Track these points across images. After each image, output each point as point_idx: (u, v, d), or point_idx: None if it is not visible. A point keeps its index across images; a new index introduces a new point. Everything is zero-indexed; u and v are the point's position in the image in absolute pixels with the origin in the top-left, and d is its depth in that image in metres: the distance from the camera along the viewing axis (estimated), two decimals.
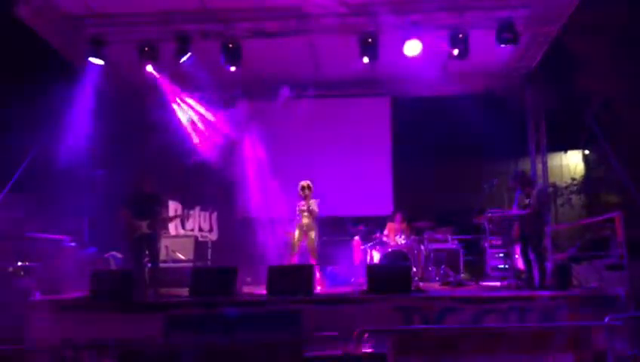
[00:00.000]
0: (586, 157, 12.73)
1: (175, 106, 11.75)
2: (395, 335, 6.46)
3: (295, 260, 9.30)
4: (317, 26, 10.23)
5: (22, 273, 8.53)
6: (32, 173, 8.88)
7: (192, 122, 11.91)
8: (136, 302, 7.35)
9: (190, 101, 11.90)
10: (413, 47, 9.96)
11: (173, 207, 10.97)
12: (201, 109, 12.02)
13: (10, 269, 8.52)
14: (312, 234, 9.41)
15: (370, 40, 10.13)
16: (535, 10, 9.83)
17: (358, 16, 10.08)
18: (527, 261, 8.39)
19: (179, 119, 11.83)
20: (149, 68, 10.46)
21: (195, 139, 11.78)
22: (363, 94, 13.10)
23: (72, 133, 9.76)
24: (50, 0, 9.61)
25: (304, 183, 9.53)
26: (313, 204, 9.44)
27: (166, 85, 11.43)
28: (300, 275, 7.63)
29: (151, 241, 8.34)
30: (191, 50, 10.14)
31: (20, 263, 8.70)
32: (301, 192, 9.51)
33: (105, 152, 10.82)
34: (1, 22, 8.82)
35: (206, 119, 12.02)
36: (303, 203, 9.51)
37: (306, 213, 9.45)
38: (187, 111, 11.89)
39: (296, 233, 9.46)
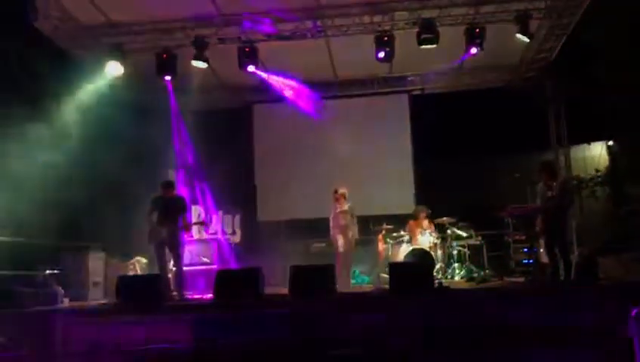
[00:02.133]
0: (609, 148, 12.52)
1: None
2: (419, 333, 6.45)
3: (340, 261, 9.58)
4: (333, 26, 10.28)
5: (51, 280, 8.68)
6: (56, 179, 9.03)
7: None
8: (162, 306, 7.44)
9: None
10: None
11: (196, 212, 11.09)
12: None
13: (40, 277, 8.68)
14: (350, 235, 9.73)
15: (386, 38, 10.13)
16: (552, 3, 9.75)
17: (374, 14, 10.10)
18: (551, 255, 8.28)
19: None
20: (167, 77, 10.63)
21: None
22: (381, 92, 13.10)
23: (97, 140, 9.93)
24: (69, 12, 9.81)
25: (335, 188, 9.93)
26: (353, 206, 9.82)
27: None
28: (322, 275, 7.65)
29: (174, 246, 8.44)
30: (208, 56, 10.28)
31: (49, 271, 8.85)
32: (333, 196, 9.92)
33: (129, 158, 10.96)
34: (21, 35, 8.98)
35: None
36: (338, 205, 9.81)
37: (344, 215, 9.76)
38: None
39: (335, 236, 9.79)
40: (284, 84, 11.90)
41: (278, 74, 11.67)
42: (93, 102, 10.12)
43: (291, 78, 11.87)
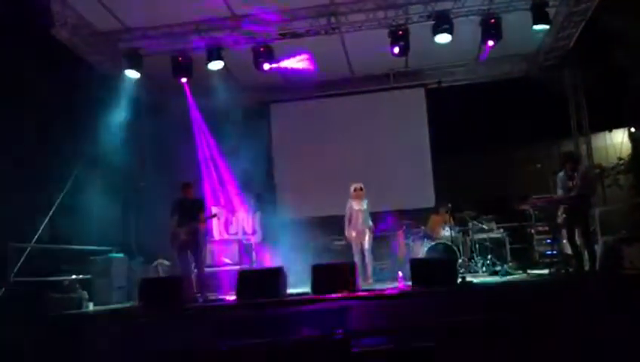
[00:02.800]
0: (631, 135, 12.30)
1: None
2: (443, 328, 6.41)
3: (356, 258, 9.63)
4: (347, 22, 10.25)
5: (76, 285, 8.79)
6: (78, 185, 9.14)
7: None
8: (185, 308, 7.49)
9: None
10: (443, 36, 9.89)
11: (215, 212, 11.14)
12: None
13: (66, 282, 8.78)
14: (368, 232, 9.72)
15: (400, 32, 10.08)
16: None
17: (388, 9, 10.04)
18: (574, 245, 8.17)
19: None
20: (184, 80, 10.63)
21: None
22: (398, 87, 13.03)
23: (116, 144, 10.02)
24: (84, 19, 9.90)
25: (357, 185, 9.84)
26: (367, 202, 9.81)
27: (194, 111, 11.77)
28: (343, 272, 7.65)
29: (194, 247, 8.48)
30: (223, 57, 10.32)
31: (73, 276, 8.97)
32: (354, 193, 9.83)
33: (149, 161, 11.06)
34: (41, 43, 9.09)
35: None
36: (355, 203, 9.78)
37: (362, 213, 9.77)
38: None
39: (354, 233, 9.76)
40: (297, 61, 11.71)
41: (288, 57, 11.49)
42: (111, 105, 10.21)
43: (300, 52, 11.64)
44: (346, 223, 9.87)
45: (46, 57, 9.04)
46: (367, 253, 9.67)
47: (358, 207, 9.80)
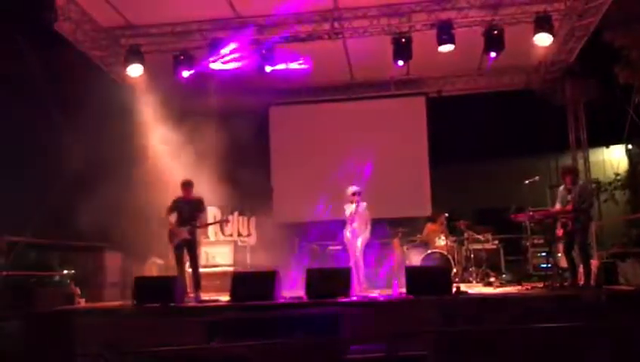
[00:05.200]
0: (629, 152, 12.36)
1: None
2: (436, 337, 6.38)
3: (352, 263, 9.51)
4: (350, 28, 10.25)
5: (68, 281, 8.72)
6: (74, 180, 9.09)
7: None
8: (179, 308, 7.44)
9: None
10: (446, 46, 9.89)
11: (212, 213, 11.08)
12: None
13: (57, 278, 8.72)
14: (362, 237, 9.54)
15: (403, 40, 10.08)
16: (572, 4, 9.65)
17: (391, 17, 10.06)
18: (570, 259, 8.17)
19: None
20: (185, 74, 10.52)
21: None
22: (398, 95, 13.05)
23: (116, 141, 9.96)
24: (88, 14, 9.87)
25: (353, 190, 9.59)
26: (365, 207, 9.61)
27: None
28: (339, 278, 7.62)
29: (191, 247, 8.44)
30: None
31: (65, 271, 8.90)
32: (352, 198, 9.61)
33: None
34: (42, 36, 9.05)
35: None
36: (350, 206, 9.64)
37: (360, 216, 9.58)
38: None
39: (348, 235, 9.64)
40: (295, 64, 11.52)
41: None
42: (111, 100, 10.15)
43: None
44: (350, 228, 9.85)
45: (48, 51, 8.99)
46: (359, 257, 9.57)
47: (353, 210, 9.69)
